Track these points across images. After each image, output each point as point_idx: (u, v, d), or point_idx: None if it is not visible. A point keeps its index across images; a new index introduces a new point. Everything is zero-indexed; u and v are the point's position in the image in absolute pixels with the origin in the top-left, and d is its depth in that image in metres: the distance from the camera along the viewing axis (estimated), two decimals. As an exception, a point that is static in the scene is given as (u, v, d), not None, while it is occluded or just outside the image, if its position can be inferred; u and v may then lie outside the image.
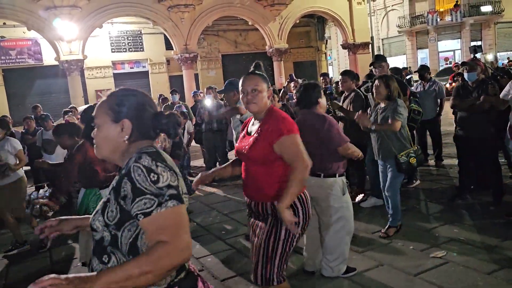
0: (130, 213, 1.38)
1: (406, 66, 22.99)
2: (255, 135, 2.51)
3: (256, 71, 2.60)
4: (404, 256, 3.95)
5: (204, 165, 8.72)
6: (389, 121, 4.18)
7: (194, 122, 8.50)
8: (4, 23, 17.10)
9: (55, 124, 7.45)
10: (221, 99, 8.43)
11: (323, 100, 3.59)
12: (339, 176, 3.54)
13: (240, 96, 2.58)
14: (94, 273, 1.30)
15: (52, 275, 1.26)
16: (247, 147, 2.52)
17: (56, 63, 15.53)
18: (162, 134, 1.60)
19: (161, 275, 1.31)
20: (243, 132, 2.70)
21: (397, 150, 4.19)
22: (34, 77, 18.49)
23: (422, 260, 3.81)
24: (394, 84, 4.29)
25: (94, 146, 1.58)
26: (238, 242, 4.76)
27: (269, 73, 20.71)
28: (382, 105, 4.36)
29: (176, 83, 19.22)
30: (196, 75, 18.05)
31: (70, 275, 1.27)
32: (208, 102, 7.85)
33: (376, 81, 4.34)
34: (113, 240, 1.44)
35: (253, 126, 2.60)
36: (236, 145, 2.71)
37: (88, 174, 3.75)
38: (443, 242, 4.12)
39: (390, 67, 5.82)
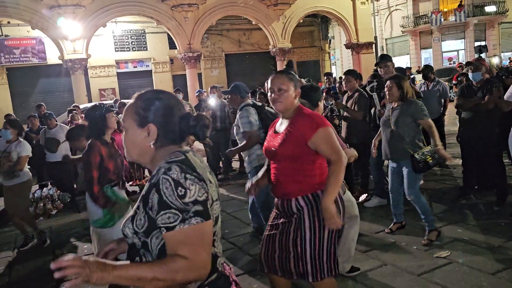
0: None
1: (410, 66, 22.91)
2: (284, 133, 2.56)
3: (286, 70, 2.67)
4: (408, 256, 3.94)
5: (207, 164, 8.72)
6: (421, 123, 4.09)
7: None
8: (9, 22, 17.19)
9: (58, 123, 7.48)
10: (225, 99, 8.43)
11: (321, 104, 3.64)
12: None
13: (268, 94, 2.64)
14: (113, 262, 1.31)
15: (72, 256, 1.27)
16: (276, 144, 2.58)
17: (60, 62, 15.57)
18: (191, 137, 1.57)
19: (172, 286, 1.33)
20: (271, 131, 2.75)
21: (412, 150, 4.08)
22: (38, 75, 18.57)
23: (425, 260, 3.80)
24: (407, 83, 4.21)
25: (124, 148, 1.57)
26: (241, 240, 4.77)
27: (272, 72, 20.70)
28: (395, 105, 4.27)
29: (179, 82, 19.25)
30: (200, 74, 18.08)
31: (91, 259, 1.28)
32: (212, 101, 7.86)
33: (388, 82, 4.24)
34: (144, 245, 1.45)
35: (282, 125, 2.65)
36: (265, 144, 2.76)
37: (100, 173, 3.56)
38: (447, 242, 4.11)
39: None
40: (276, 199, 2.72)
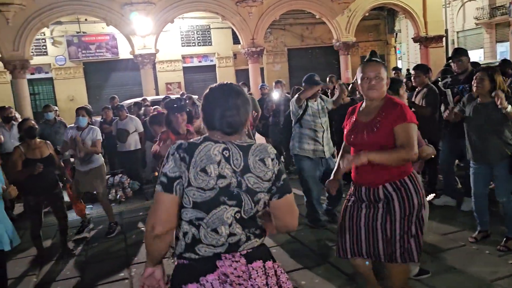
0: None
1: (483, 61, 21.53)
2: (376, 121, 2.59)
3: (376, 59, 2.67)
4: (479, 261, 3.75)
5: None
6: None
7: (259, 115, 8.57)
8: (86, 19, 18.33)
9: (128, 115, 7.87)
10: (288, 93, 8.43)
11: (402, 90, 3.63)
12: None
13: (359, 82, 2.65)
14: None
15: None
16: (366, 132, 2.61)
17: (131, 56, 16.33)
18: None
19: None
20: (352, 119, 2.77)
21: (510, 150, 3.78)
22: (111, 70, 19.64)
23: (499, 266, 3.60)
24: (500, 77, 3.86)
25: None
26: (302, 235, 4.78)
27: (335, 67, 20.37)
28: (485, 100, 3.88)
29: (242, 77, 19.49)
30: (262, 69, 18.15)
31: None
32: (276, 95, 7.89)
33: (479, 74, 3.89)
34: None
35: (368, 114, 2.67)
36: (346, 132, 2.79)
37: None
38: (523, 249, 3.86)
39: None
40: (353, 187, 2.78)
